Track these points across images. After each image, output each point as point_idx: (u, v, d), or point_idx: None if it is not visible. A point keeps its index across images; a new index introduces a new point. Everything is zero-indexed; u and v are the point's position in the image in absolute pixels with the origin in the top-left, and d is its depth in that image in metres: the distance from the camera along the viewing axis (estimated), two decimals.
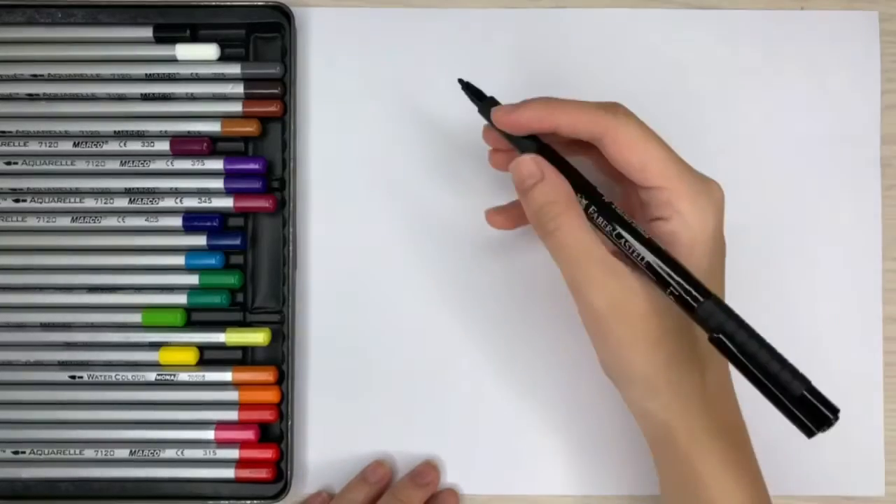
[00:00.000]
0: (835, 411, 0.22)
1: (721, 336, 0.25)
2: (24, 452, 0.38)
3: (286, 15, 0.38)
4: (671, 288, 0.27)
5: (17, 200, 0.38)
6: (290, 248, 0.38)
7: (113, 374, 0.38)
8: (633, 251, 0.28)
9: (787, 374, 0.23)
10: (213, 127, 0.38)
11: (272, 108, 0.38)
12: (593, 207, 0.29)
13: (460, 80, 0.34)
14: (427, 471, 0.38)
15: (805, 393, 0.23)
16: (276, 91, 0.38)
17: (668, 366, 0.29)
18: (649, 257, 0.27)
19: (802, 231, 0.39)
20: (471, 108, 0.40)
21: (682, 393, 0.29)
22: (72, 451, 0.38)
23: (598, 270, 0.28)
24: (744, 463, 0.30)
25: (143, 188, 0.38)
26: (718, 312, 0.26)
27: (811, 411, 0.23)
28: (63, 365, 0.38)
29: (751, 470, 0.30)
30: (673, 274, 0.27)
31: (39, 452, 0.38)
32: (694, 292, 0.27)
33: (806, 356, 0.36)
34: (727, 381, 0.31)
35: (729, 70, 0.40)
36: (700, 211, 0.29)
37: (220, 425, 0.38)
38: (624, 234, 0.28)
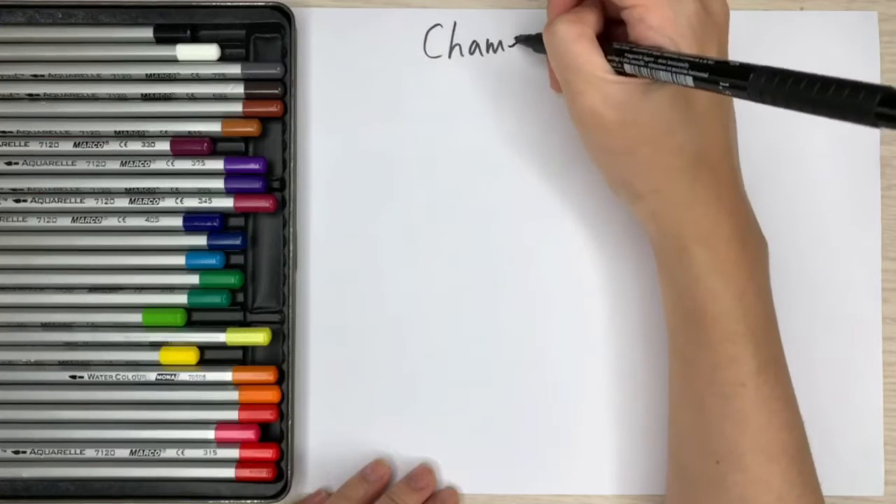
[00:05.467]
0: None
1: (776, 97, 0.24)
2: (24, 452, 0.38)
3: (286, 15, 0.38)
4: (720, 83, 0.26)
5: (17, 200, 0.38)
6: (290, 248, 0.38)
7: (113, 373, 0.38)
8: (667, 65, 0.28)
9: (851, 95, 0.22)
10: (214, 127, 0.38)
11: (272, 108, 0.38)
12: (620, 45, 0.30)
13: (516, 38, 0.40)
14: (423, 474, 0.38)
15: (878, 108, 0.21)
16: (276, 91, 0.38)
17: (648, 173, 0.31)
18: (684, 59, 0.27)
19: (802, 231, 0.39)
20: (471, 109, 0.40)
21: (665, 199, 0.32)
22: (72, 451, 0.38)
23: (585, 79, 0.30)
24: (734, 263, 0.32)
25: (144, 188, 0.38)
26: (765, 80, 0.24)
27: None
28: (64, 365, 0.38)
29: (741, 272, 0.32)
30: (705, 65, 0.26)
31: (40, 452, 0.38)
32: (733, 73, 0.25)
33: (805, 356, 0.36)
34: (722, 187, 0.32)
35: None
36: (667, 20, 0.29)
37: (221, 425, 0.38)
38: (640, 53, 0.29)
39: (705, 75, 0.26)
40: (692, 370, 0.33)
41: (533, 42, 0.39)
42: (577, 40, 0.30)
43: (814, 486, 0.33)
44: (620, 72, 0.30)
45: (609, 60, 0.30)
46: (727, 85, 0.25)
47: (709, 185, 0.31)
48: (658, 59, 0.28)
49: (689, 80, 0.27)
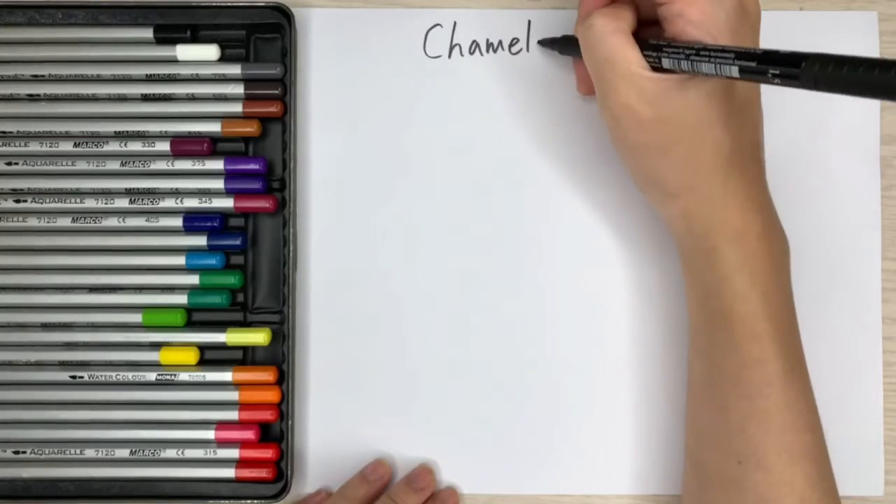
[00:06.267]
0: None
1: (833, 81, 0.23)
2: (24, 452, 0.38)
3: (286, 15, 0.38)
4: (769, 72, 0.25)
5: (17, 201, 0.38)
6: (290, 248, 0.38)
7: (113, 374, 0.38)
8: (711, 57, 0.28)
9: None
10: (214, 127, 0.38)
11: (272, 108, 0.38)
12: (657, 41, 0.30)
13: (539, 42, 0.39)
14: (423, 474, 0.38)
15: None
16: (276, 92, 0.38)
17: (681, 171, 0.31)
18: (730, 51, 0.27)
19: (802, 231, 0.39)
20: (472, 108, 0.40)
21: (698, 197, 0.31)
22: (72, 451, 0.38)
23: (621, 74, 0.30)
24: (762, 261, 0.31)
25: (144, 188, 0.38)
26: (819, 67, 0.23)
27: None
28: (63, 365, 0.38)
29: (768, 271, 0.31)
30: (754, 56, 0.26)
31: (40, 452, 0.38)
32: (784, 63, 0.25)
33: (806, 355, 0.36)
34: (751, 185, 0.32)
35: None
36: (707, 15, 0.29)
37: (221, 425, 0.38)
38: (683, 47, 0.29)
39: (753, 64, 0.26)
40: (716, 370, 0.33)
41: (558, 44, 0.38)
42: (614, 34, 0.30)
43: (833, 489, 0.33)
44: (657, 68, 0.30)
45: (645, 56, 0.30)
46: (777, 73, 0.25)
47: (740, 183, 0.31)
48: (700, 52, 0.28)
49: (735, 71, 0.27)
